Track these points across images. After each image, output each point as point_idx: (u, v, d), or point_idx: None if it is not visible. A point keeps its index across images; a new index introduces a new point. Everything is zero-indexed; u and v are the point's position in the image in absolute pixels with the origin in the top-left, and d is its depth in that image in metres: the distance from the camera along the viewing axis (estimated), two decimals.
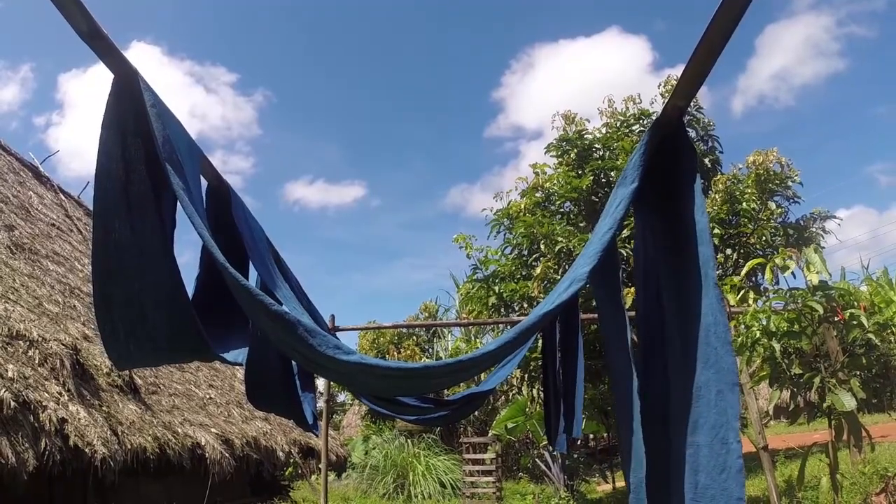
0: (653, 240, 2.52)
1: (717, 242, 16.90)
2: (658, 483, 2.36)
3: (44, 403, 6.14)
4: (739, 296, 6.86)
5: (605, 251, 2.40)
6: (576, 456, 18.36)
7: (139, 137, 2.27)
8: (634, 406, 2.36)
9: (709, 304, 2.13)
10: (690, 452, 2.15)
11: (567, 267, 16.26)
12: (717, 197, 17.50)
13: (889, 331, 5.87)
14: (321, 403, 8.85)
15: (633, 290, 6.40)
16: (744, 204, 17.29)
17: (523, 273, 18.29)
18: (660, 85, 20.58)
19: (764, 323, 5.97)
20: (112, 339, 2.44)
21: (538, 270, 16.87)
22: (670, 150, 2.32)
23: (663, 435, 2.39)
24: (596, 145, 20.00)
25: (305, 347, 2.25)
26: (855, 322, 5.62)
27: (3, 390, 5.77)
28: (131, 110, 2.22)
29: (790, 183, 17.77)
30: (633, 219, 2.70)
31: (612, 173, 18.24)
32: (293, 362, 4.10)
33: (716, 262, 2.17)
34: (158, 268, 2.40)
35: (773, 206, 17.56)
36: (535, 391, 18.20)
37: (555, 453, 16.14)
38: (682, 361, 2.24)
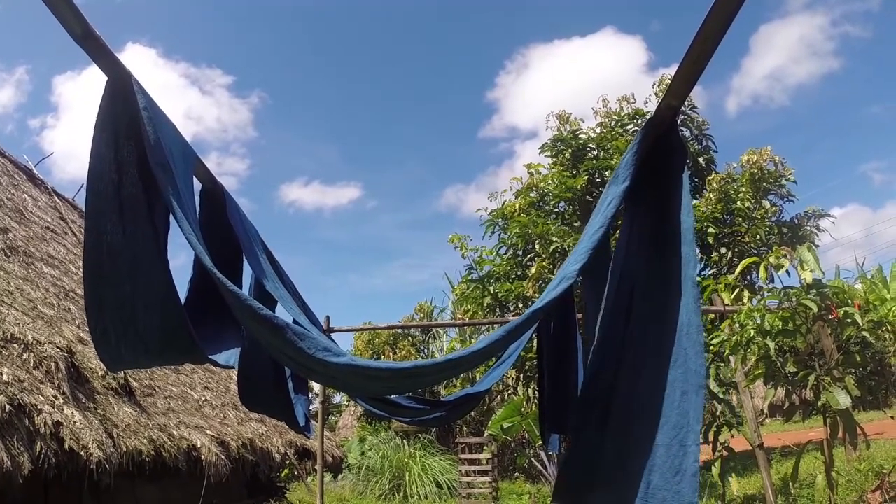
0: (638, 238, 2.51)
1: (711, 241, 16.97)
2: (587, 479, 2.36)
3: (39, 407, 6.13)
4: (734, 294, 6.87)
5: (596, 249, 2.40)
6: None
7: (132, 140, 2.26)
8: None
9: (685, 303, 2.12)
10: (646, 451, 2.13)
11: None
12: (711, 196, 17.56)
13: (884, 328, 5.89)
14: (316, 405, 8.84)
15: None
16: (738, 203, 17.36)
17: (518, 273, 18.33)
18: (654, 84, 20.69)
19: (758, 321, 5.97)
20: (103, 342, 2.44)
21: (533, 270, 16.92)
22: (663, 150, 2.33)
23: (603, 431, 2.38)
24: (590, 145, 20.06)
25: (294, 351, 2.24)
26: (849, 320, 5.63)
27: None
28: (124, 113, 2.21)
29: (784, 181, 17.85)
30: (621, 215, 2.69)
31: (607, 173, 18.29)
32: None
33: (697, 261, 2.15)
34: (150, 271, 2.40)
35: (767, 204, 17.63)
36: (530, 391, 18.23)
37: (550, 453, 16.14)
38: (650, 360, 2.23)
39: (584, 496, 2.40)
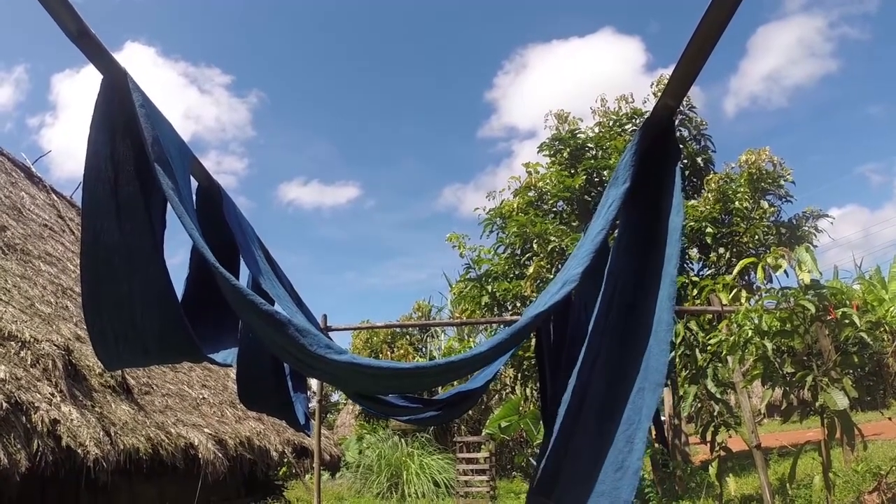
0: (628, 237, 2.50)
1: (709, 241, 16.96)
2: (555, 471, 2.35)
3: (36, 404, 6.12)
4: (732, 295, 6.88)
5: (598, 252, 2.39)
6: None
7: (128, 138, 2.26)
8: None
9: (660, 300, 2.10)
10: (599, 444, 2.12)
11: (559, 266, 16.28)
12: (709, 196, 17.54)
13: (881, 329, 5.90)
14: (314, 403, 8.84)
15: None
16: (736, 203, 17.33)
17: (516, 272, 18.32)
18: (652, 84, 20.65)
19: (756, 322, 5.98)
20: (101, 340, 2.43)
21: (531, 269, 16.91)
22: (659, 150, 2.32)
23: (575, 424, 2.37)
24: (589, 144, 20.05)
25: (296, 347, 2.24)
26: (847, 321, 5.63)
27: None
28: (120, 111, 2.21)
29: (783, 182, 17.83)
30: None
31: (605, 172, 18.29)
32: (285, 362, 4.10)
33: (678, 259, 2.13)
34: (147, 269, 2.39)
35: (765, 205, 17.60)
36: (528, 390, 18.22)
37: None
38: (616, 353, 2.22)
39: (553, 487, 2.40)
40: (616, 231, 2.64)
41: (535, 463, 17.17)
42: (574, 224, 18.56)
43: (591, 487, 2.07)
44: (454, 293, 21.02)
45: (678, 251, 2.12)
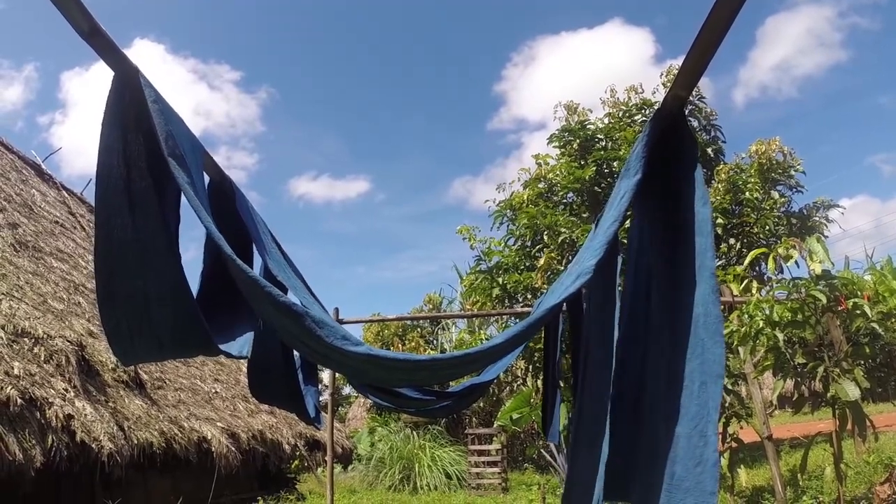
0: (650, 230, 2.50)
1: (720, 232, 16.90)
2: (626, 472, 2.36)
3: (50, 400, 6.17)
4: (742, 285, 6.85)
5: (610, 244, 2.40)
6: None
7: (140, 134, 2.27)
8: (608, 396, 2.36)
9: (701, 294, 2.10)
10: (669, 443, 2.13)
11: (570, 257, 16.26)
12: (719, 186, 17.49)
13: (893, 320, 5.86)
14: (326, 396, 8.88)
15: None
16: (747, 193, 17.27)
17: (527, 264, 18.31)
18: (662, 74, 20.58)
19: (767, 313, 5.96)
20: (116, 335, 2.45)
21: (542, 261, 16.89)
22: (673, 141, 2.32)
23: (636, 424, 2.38)
24: (598, 136, 19.99)
25: (313, 339, 2.24)
26: (858, 311, 5.61)
27: (10, 387, 5.80)
28: (132, 107, 2.22)
29: (793, 172, 17.74)
30: (632, 209, 2.68)
31: (615, 163, 18.24)
32: (296, 355, 4.12)
33: (714, 252, 2.13)
34: (161, 265, 2.41)
35: (776, 195, 17.53)
36: (539, 382, 18.22)
37: (560, 444, 16.12)
38: (669, 351, 2.22)
39: (630, 489, 2.41)
40: (633, 225, 2.64)
41: (558, 459, 17.16)
42: (584, 215, 18.54)
43: (672, 485, 2.09)
44: (465, 285, 21.03)
45: (712, 243, 2.12)
